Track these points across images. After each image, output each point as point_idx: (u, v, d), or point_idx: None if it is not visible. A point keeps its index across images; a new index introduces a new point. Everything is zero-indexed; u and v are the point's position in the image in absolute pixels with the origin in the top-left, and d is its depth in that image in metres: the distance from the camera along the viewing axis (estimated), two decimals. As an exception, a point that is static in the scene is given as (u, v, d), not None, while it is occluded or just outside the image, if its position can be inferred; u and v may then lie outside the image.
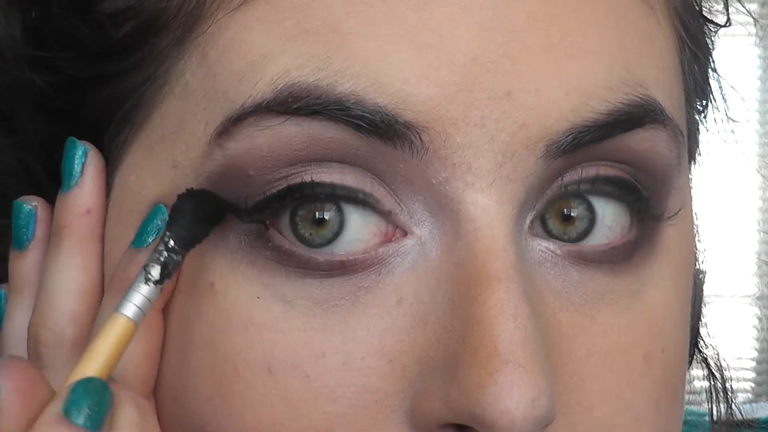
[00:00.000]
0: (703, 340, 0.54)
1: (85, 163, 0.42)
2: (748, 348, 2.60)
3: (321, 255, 0.38)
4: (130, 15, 0.40)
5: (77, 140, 0.42)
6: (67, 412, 0.35)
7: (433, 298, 0.38)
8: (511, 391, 0.36)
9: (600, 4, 0.40)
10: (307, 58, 0.38)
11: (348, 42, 0.37)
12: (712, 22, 0.49)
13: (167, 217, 0.39)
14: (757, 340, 2.61)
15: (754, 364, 2.62)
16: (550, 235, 0.40)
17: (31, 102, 0.44)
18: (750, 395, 2.55)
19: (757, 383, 2.63)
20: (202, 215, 0.38)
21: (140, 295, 0.37)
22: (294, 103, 0.37)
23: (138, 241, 0.40)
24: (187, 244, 0.38)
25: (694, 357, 0.54)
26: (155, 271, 0.38)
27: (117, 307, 0.37)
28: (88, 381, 0.36)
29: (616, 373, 0.40)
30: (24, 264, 0.43)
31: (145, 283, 0.37)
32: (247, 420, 0.38)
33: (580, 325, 0.40)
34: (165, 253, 0.38)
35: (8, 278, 0.44)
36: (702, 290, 0.52)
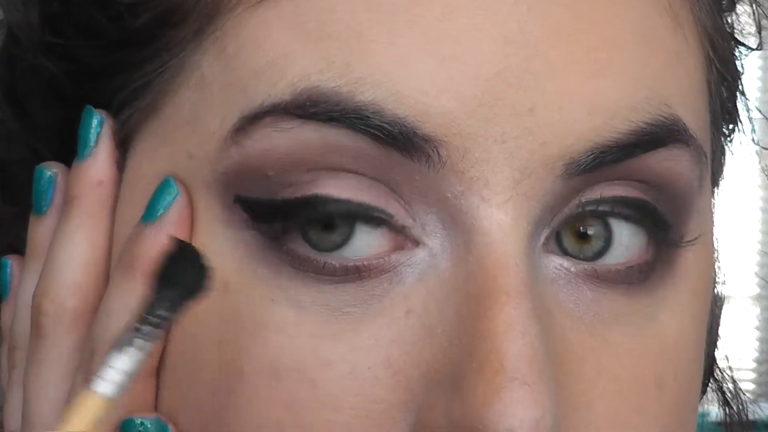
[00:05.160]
0: (719, 368, 0.53)
1: (100, 133, 0.41)
2: (749, 348, 2.60)
3: (335, 260, 0.38)
4: (148, 6, 0.40)
5: (94, 109, 0.42)
6: None
7: (441, 311, 0.37)
8: (516, 409, 0.35)
9: (627, 20, 0.39)
10: (327, 63, 0.37)
11: (370, 50, 0.37)
12: (743, 44, 0.48)
13: (176, 192, 0.39)
14: (758, 340, 2.62)
15: (754, 364, 2.62)
16: (565, 252, 0.39)
17: (44, 88, 0.44)
18: (750, 396, 2.55)
19: (757, 384, 2.63)
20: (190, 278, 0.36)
21: (118, 370, 0.34)
22: (312, 108, 0.37)
23: (148, 215, 0.40)
24: (176, 307, 0.36)
25: (708, 385, 0.53)
26: (141, 343, 0.35)
27: (92, 383, 0.34)
28: None
29: (625, 397, 0.39)
30: (41, 230, 0.43)
31: (127, 354, 0.35)
32: (249, 421, 0.38)
33: (591, 346, 0.39)
34: (151, 325, 0.35)
35: (26, 244, 0.44)
36: (719, 317, 0.50)
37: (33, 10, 0.44)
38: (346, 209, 0.38)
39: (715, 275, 0.47)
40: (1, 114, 0.47)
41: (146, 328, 0.35)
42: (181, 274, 0.36)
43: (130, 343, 0.35)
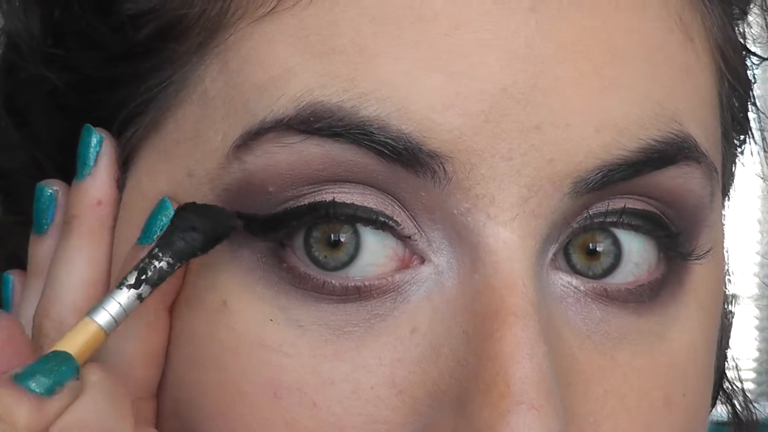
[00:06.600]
0: (729, 381, 0.53)
1: (99, 152, 0.41)
2: (749, 348, 2.59)
3: (336, 279, 0.37)
4: (151, 18, 0.40)
5: (93, 128, 0.41)
6: (18, 376, 0.34)
7: (448, 330, 0.37)
8: None
9: (635, 35, 0.39)
10: (331, 78, 0.37)
11: (375, 64, 0.36)
12: (755, 54, 0.47)
13: (171, 213, 0.39)
14: (758, 340, 2.61)
15: (754, 364, 2.62)
16: (573, 270, 0.39)
17: (46, 99, 0.44)
18: (750, 396, 2.55)
19: (757, 383, 2.62)
20: (204, 229, 0.37)
21: (114, 301, 0.36)
22: (315, 123, 0.36)
23: (144, 237, 0.39)
24: (178, 254, 0.37)
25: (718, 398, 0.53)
26: (131, 277, 0.37)
27: (89, 312, 0.36)
28: (52, 353, 0.35)
29: (634, 416, 0.39)
30: (42, 249, 0.43)
31: (119, 287, 0.36)
32: None
33: (599, 365, 0.38)
34: (146, 259, 0.37)
35: (27, 262, 0.43)
36: (729, 331, 0.50)
37: (34, 18, 0.44)
38: (351, 211, 0.37)
39: (726, 289, 0.47)
40: (1, 123, 0.46)
41: (151, 268, 0.37)
42: (191, 224, 0.37)
43: (130, 282, 0.37)
